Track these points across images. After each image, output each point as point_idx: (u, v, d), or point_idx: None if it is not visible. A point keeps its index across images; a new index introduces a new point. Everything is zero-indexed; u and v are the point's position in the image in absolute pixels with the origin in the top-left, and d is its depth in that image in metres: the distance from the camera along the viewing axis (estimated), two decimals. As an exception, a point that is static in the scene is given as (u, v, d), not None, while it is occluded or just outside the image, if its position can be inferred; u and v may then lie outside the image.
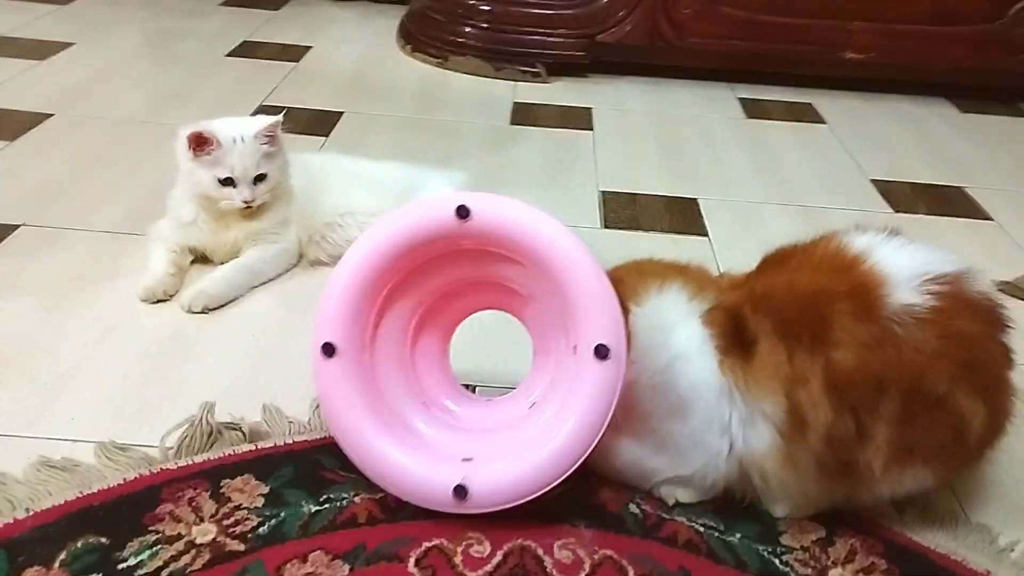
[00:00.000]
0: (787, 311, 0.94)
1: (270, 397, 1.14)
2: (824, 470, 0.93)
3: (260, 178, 1.37)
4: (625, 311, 0.96)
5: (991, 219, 1.78)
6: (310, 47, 2.51)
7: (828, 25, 2.37)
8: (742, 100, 2.35)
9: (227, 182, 1.35)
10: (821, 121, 2.25)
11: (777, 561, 0.95)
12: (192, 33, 2.59)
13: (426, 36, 2.50)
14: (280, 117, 1.38)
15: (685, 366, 0.94)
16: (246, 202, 1.36)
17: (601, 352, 0.93)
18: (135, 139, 1.88)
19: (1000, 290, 1.51)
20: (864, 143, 2.13)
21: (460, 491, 0.94)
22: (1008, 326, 0.97)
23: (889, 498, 0.99)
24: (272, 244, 1.41)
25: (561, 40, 2.38)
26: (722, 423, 0.94)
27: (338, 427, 0.99)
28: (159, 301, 1.34)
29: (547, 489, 0.94)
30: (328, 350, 0.98)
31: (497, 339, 1.23)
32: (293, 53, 2.46)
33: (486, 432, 1.04)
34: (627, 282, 0.98)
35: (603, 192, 1.76)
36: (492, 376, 1.20)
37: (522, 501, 0.95)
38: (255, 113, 2.02)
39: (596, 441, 0.94)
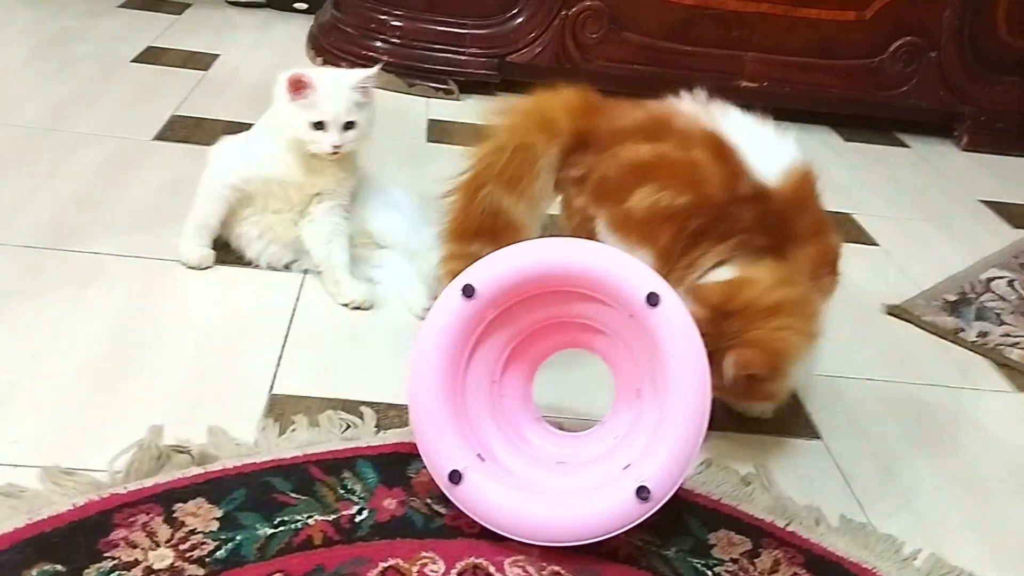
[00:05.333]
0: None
1: (213, 418, 1.15)
2: None
3: (349, 126, 1.41)
4: None
5: (878, 244, 1.92)
6: (218, 55, 2.49)
7: (724, 54, 2.50)
8: (645, 123, 2.45)
9: (318, 126, 1.39)
10: (720, 146, 2.36)
11: (710, 573, 1.02)
12: (91, 35, 2.52)
13: (337, 48, 2.51)
14: (376, 69, 1.44)
15: None
16: (334, 146, 1.39)
17: (642, 494, 0.98)
18: (44, 147, 1.82)
19: (890, 313, 1.64)
20: (759, 168, 2.25)
21: (454, 476, 1.00)
22: None
23: None
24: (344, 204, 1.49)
25: (473, 59, 2.44)
26: None
27: (422, 356, 1.03)
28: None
29: (517, 538, 1.01)
30: (468, 291, 1.03)
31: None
32: (201, 61, 2.42)
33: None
34: None
35: (523, 213, 1.82)
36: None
37: (490, 527, 1.01)
38: (169, 124, 2.00)
39: (574, 544, 1.01)
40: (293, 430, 1.15)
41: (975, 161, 2.52)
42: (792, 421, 1.32)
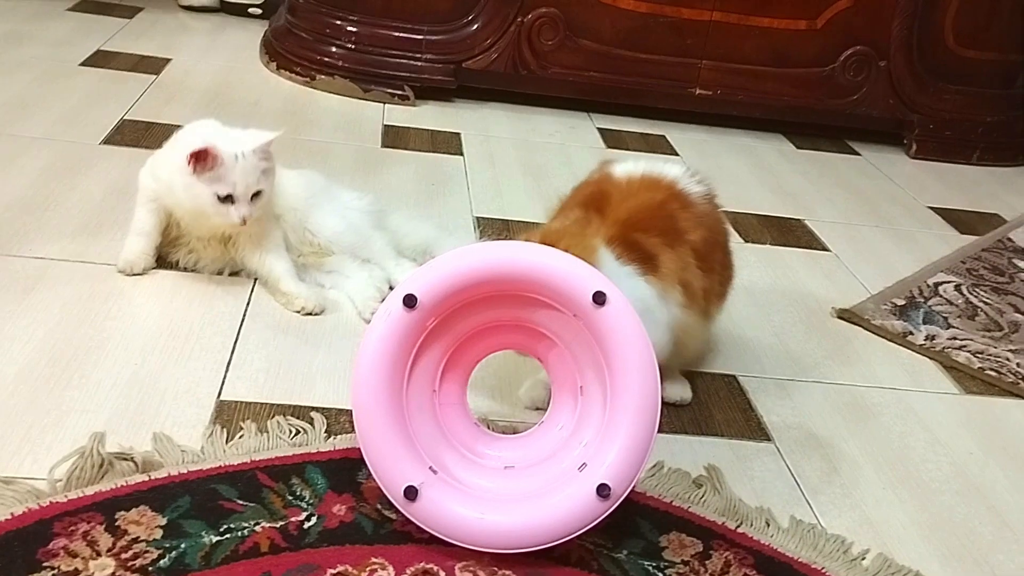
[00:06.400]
0: (653, 225, 1.22)
1: (159, 425, 1.13)
2: (704, 313, 1.30)
3: (256, 195, 1.37)
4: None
5: (829, 250, 1.94)
6: (169, 59, 2.45)
7: (678, 62, 2.51)
8: (601, 130, 2.46)
9: (226, 199, 1.35)
10: (675, 153, 2.38)
11: (661, 575, 1.02)
12: (38, 38, 2.47)
13: (292, 54, 2.49)
14: (278, 133, 1.39)
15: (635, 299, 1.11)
16: (243, 219, 1.36)
17: (603, 492, 0.99)
18: (-13, 151, 1.79)
19: (840, 317, 1.66)
20: (713, 175, 2.25)
21: (410, 492, 0.98)
22: None
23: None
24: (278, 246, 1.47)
25: (428, 64, 2.43)
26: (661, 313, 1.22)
27: (365, 373, 1.01)
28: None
29: (476, 548, 0.99)
30: (409, 301, 1.00)
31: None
32: (152, 65, 2.39)
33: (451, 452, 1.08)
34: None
35: (478, 218, 1.82)
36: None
37: (453, 541, 0.99)
38: (118, 128, 1.97)
39: (539, 548, 1.00)
40: (241, 436, 1.14)
41: (924, 168, 2.56)
42: (743, 423, 1.32)
